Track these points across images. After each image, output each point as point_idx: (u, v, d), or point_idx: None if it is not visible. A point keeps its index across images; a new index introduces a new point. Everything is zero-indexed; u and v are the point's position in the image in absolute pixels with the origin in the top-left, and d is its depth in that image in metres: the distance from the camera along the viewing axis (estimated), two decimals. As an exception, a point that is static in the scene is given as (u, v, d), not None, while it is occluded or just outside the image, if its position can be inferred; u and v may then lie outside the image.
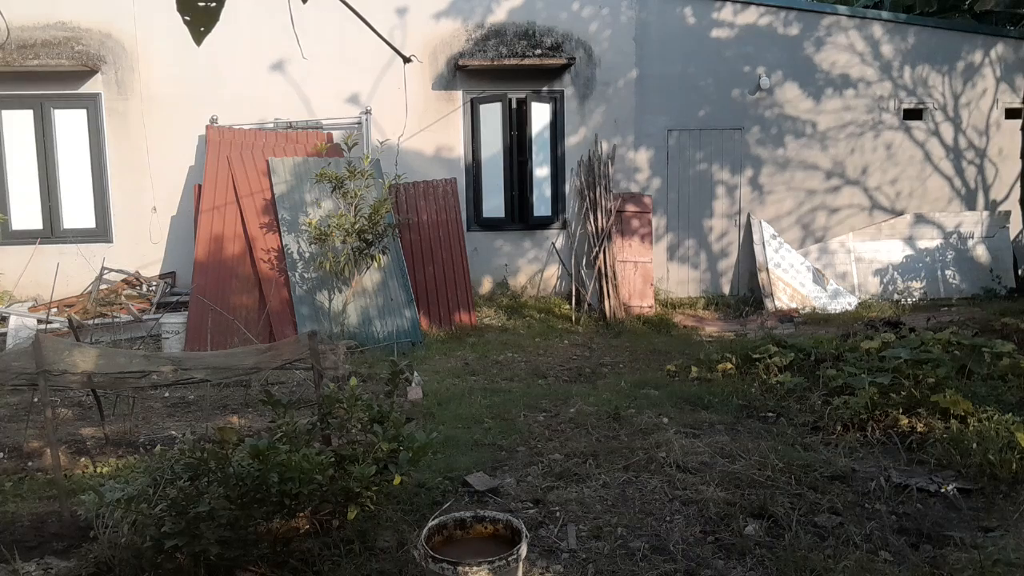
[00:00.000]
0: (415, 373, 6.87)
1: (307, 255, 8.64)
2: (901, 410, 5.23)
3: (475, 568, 2.80)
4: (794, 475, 4.41)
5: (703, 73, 10.86)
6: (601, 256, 10.06)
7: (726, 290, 11.20)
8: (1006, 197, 11.59)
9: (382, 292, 8.72)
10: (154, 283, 9.74)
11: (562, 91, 10.62)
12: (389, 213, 8.67)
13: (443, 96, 10.38)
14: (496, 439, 5.24)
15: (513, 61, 10.14)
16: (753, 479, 4.36)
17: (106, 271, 9.60)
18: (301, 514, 3.46)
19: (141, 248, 9.98)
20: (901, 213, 11.38)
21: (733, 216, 11.16)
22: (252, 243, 8.74)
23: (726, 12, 10.81)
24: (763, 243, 10.83)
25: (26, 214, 9.85)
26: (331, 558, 3.42)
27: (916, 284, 11.05)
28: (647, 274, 10.31)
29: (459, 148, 10.49)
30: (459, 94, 10.41)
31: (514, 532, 3.14)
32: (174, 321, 8.36)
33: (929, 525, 3.86)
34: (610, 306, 9.83)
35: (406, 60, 3.15)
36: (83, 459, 5.02)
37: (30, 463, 5.05)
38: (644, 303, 10.19)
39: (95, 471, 4.77)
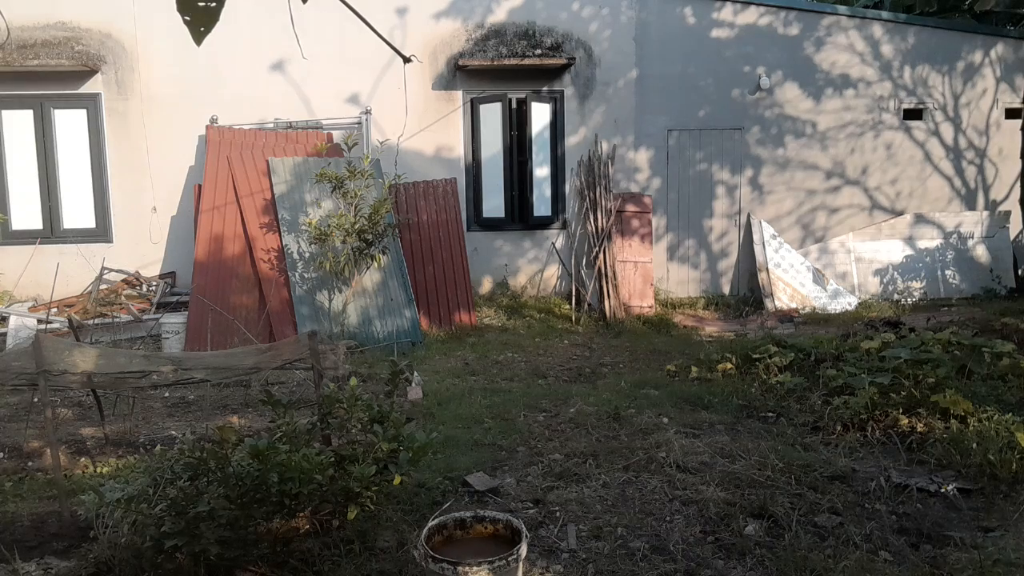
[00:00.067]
0: (415, 373, 6.87)
1: (307, 255, 8.64)
2: (901, 410, 5.23)
3: (475, 568, 2.80)
4: (794, 475, 4.41)
5: (703, 73, 10.86)
6: (601, 256, 10.06)
7: (726, 290, 11.20)
8: (1006, 197, 11.59)
9: (382, 292, 8.72)
10: (154, 283, 9.74)
11: (562, 91, 10.62)
12: (389, 213, 8.67)
13: (443, 96, 10.38)
14: (496, 439, 5.24)
15: (513, 61, 10.14)
16: (753, 479, 4.36)
17: (106, 271, 9.60)
18: (301, 514, 3.45)
19: (141, 248, 9.98)
20: (901, 213, 11.38)
21: (733, 216, 11.16)
22: (252, 243, 8.74)
23: (726, 12, 10.81)
24: (763, 243, 10.83)
25: (26, 214, 9.85)
26: (331, 558, 3.42)
27: (916, 284, 11.05)
28: (647, 274, 10.31)
29: (459, 148, 10.49)
30: (459, 94, 10.41)
31: (514, 532, 3.14)
32: (174, 321, 8.36)
33: (929, 525, 3.86)
34: (610, 306, 9.83)
35: (406, 60, 3.15)
36: (83, 459, 5.02)
37: (30, 463, 5.05)
38: (644, 303, 10.19)
39: (95, 471, 4.77)
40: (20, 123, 9.75)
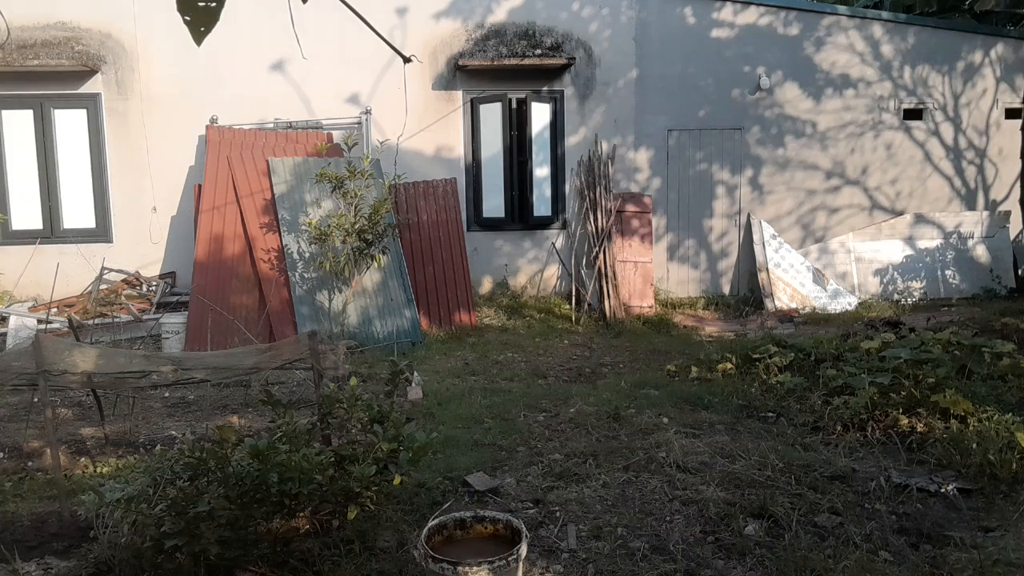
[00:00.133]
0: (415, 373, 6.87)
1: (307, 255, 8.64)
2: (901, 410, 5.23)
3: (475, 568, 2.80)
4: (794, 475, 4.41)
5: (703, 73, 10.86)
6: (601, 256, 10.06)
7: (726, 290, 11.20)
8: (1006, 197, 11.59)
9: (382, 292, 8.72)
10: (154, 283, 9.74)
11: (562, 91, 10.62)
12: (389, 213, 8.67)
13: (443, 96, 10.38)
14: (496, 439, 5.24)
15: (513, 61, 10.14)
16: (753, 479, 4.36)
17: (106, 271, 9.60)
18: (301, 514, 3.46)
19: (141, 248, 9.98)
20: (901, 213, 11.38)
21: (733, 216, 11.16)
22: (252, 243, 8.74)
23: (726, 12, 10.81)
24: (763, 243, 10.83)
25: (26, 214, 9.85)
26: (331, 558, 3.42)
27: (916, 284, 11.05)
28: (647, 274, 10.31)
29: (459, 148, 10.49)
30: (459, 94, 10.41)
31: (514, 532, 3.14)
32: (174, 321, 8.36)
33: (929, 525, 3.86)
34: (610, 306, 9.83)
35: (406, 60, 3.15)
36: (83, 459, 5.02)
37: (30, 463, 5.05)
38: (644, 303, 10.19)
39: (95, 471, 4.77)
40: (20, 123, 9.75)
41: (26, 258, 9.71)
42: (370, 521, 3.63)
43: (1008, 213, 11.37)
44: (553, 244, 10.73)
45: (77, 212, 9.96)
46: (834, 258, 11.17)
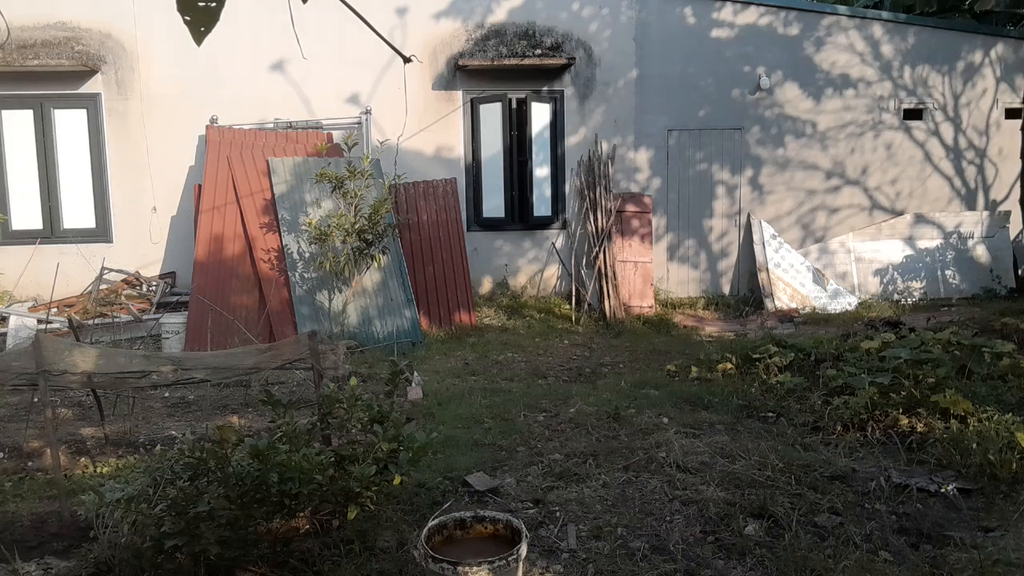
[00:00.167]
0: (415, 373, 6.87)
1: (307, 255, 8.64)
2: (901, 410, 5.23)
3: (475, 568, 2.80)
4: (794, 475, 4.41)
5: (703, 73, 10.87)
6: (601, 256, 10.06)
7: (726, 290, 11.20)
8: (1006, 197, 11.59)
9: (382, 292, 8.72)
10: (154, 283, 9.74)
11: (562, 91, 10.62)
12: (389, 213, 8.67)
13: (443, 96, 10.38)
14: (496, 439, 5.24)
15: (513, 61, 10.14)
16: (753, 479, 4.36)
17: (106, 271, 9.60)
18: (301, 514, 3.45)
19: (141, 248, 9.98)
20: (901, 213, 11.38)
21: (733, 216, 11.16)
22: (252, 243, 8.74)
23: (726, 12, 10.81)
24: (763, 243, 10.83)
25: (26, 214, 9.85)
26: (331, 558, 3.42)
27: (916, 284, 11.05)
28: (647, 274, 10.31)
29: (459, 148, 10.49)
30: (459, 94, 10.41)
31: (514, 532, 3.14)
32: (174, 321, 8.36)
33: (929, 525, 3.86)
34: (610, 306, 9.83)
35: (406, 60, 3.15)
36: (83, 459, 5.02)
37: (30, 463, 5.05)
38: (644, 303, 10.19)
39: (95, 471, 4.77)
40: (20, 123, 9.75)
41: (26, 258, 9.71)
42: (370, 521, 3.63)
43: (1008, 213, 11.37)
44: (553, 244, 10.73)
45: (77, 212, 9.96)
46: (834, 258, 11.17)
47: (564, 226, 10.77)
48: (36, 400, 5.30)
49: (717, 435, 5.22)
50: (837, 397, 5.57)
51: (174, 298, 9.52)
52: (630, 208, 10.40)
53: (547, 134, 10.64)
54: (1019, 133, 10.42)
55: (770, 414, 5.71)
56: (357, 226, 8.27)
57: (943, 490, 4.21)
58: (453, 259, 9.46)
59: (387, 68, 10.05)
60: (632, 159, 10.85)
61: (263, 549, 3.31)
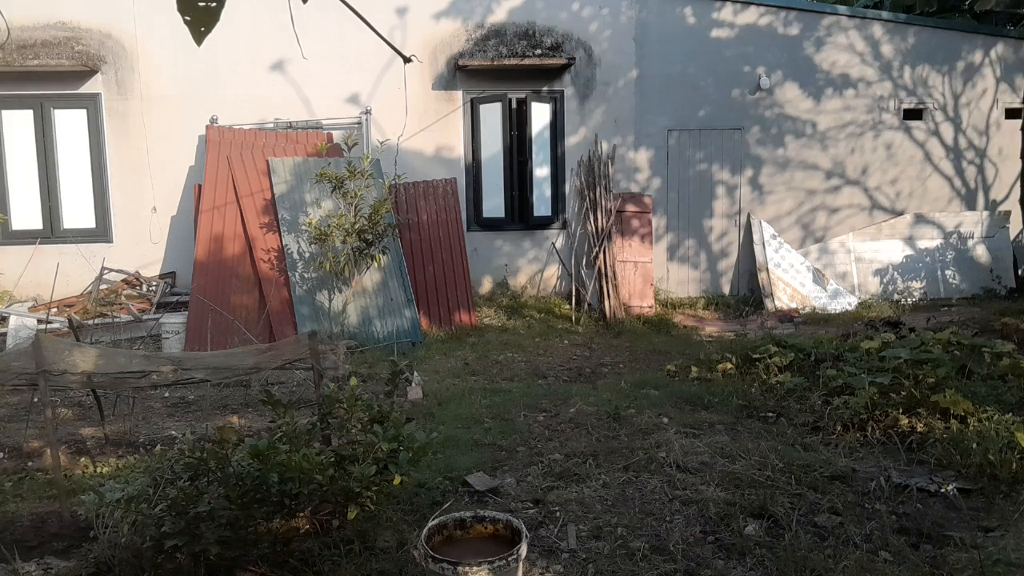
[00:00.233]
0: (415, 373, 6.87)
1: (307, 255, 8.64)
2: (901, 410, 5.23)
3: (475, 568, 2.80)
4: (794, 475, 4.40)
5: (703, 73, 10.87)
6: (601, 256, 10.06)
7: (726, 290, 11.20)
8: (1006, 197, 11.59)
9: (382, 292, 8.72)
10: (154, 283, 9.74)
11: (562, 91, 10.62)
12: (389, 213, 8.67)
13: (443, 96, 10.38)
14: (496, 439, 5.24)
15: (513, 61, 10.14)
16: (753, 479, 4.36)
17: (106, 271, 9.61)
18: (301, 514, 3.46)
19: (141, 248, 9.98)
20: (901, 213, 11.38)
21: (733, 216, 11.16)
22: (252, 243, 8.74)
23: (726, 12, 10.81)
24: (763, 243, 10.83)
25: (26, 214, 9.85)
26: (331, 558, 3.42)
27: (916, 284, 11.05)
28: (647, 274, 10.31)
29: (459, 148, 10.49)
30: (459, 94, 10.41)
31: (514, 532, 3.14)
32: (174, 321, 8.36)
33: (929, 525, 3.86)
34: (610, 306, 9.83)
35: (406, 60, 3.15)
36: (83, 459, 5.03)
37: (30, 463, 5.05)
38: (644, 303, 10.19)
39: (95, 471, 4.77)
40: (20, 123, 9.75)
41: (26, 258, 9.71)
42: (370, 521, 3.63)
43: (1008, 213, 11.37)
44: (553, 244, 10.73)
45: (77, 212, 9.97)
46: (834, 258, 11.17)
47: (564, 226, 10.77)
48: (36, 400, 5.30)
49: (717, 435, 5.21)
50: (837, 397, 5.57)
51: (174, 298, 9.52)
52: (630, 208, 10.40)
53: (547, 134, 10.64)
54: (1019, 133, 10.42)
55: (770, 414, 5.71)
56: (357, 226, 8.27)
57: (943, 490, 4.21)
58: (453, 259, 9.46)
59: (387, 68, 10.05)
60: (632, 159, 10.85)
61: (263, 549, 3.31)
